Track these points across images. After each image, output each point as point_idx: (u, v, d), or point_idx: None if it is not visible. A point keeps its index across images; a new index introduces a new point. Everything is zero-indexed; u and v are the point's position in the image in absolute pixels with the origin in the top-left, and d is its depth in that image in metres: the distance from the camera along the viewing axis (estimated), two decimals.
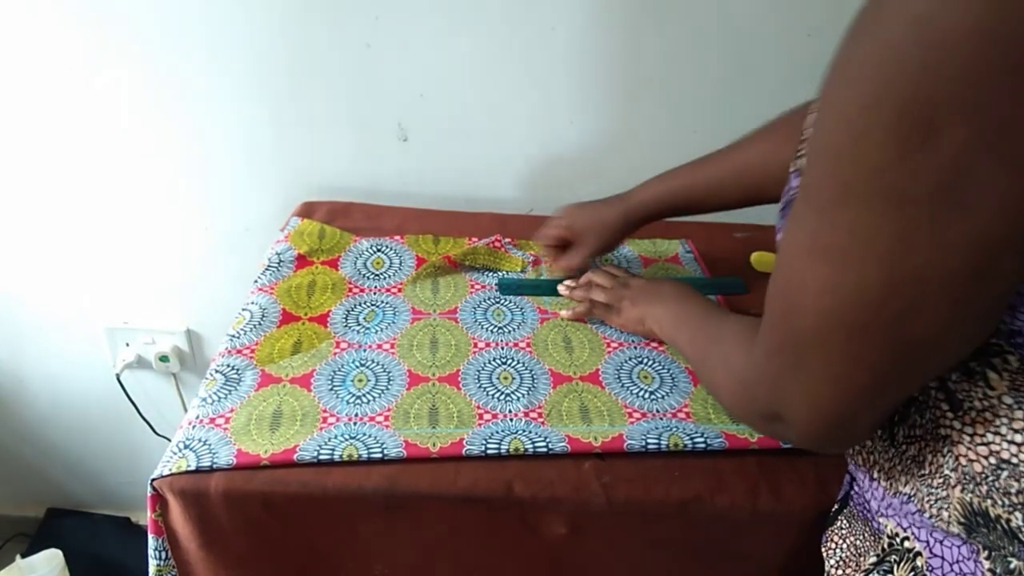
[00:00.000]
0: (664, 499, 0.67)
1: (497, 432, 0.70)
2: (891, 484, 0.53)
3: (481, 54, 1.02)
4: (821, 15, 0.96)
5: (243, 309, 0.85)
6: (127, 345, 1.31)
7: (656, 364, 0.81)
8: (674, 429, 0.72)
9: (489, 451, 0.68)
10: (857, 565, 0.58)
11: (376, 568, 0.71)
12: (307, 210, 1.06)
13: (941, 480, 0.49)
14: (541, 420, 0.72)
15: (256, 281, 0.90)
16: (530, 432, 0.70)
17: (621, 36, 1.01)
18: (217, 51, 1.02)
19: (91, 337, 1.31)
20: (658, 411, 0.74)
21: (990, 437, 0.45)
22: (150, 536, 0.67)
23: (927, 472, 0.49)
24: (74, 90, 1.05)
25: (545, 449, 0.68)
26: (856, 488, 0.60)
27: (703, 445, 0.70)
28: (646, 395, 0.76)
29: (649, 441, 0.70)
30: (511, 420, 0.72)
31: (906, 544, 0.53)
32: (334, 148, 1.11)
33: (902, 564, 0.52)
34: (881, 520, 0.56)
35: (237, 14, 0.99)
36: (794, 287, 0.44)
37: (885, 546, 0.55)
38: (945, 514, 0.49)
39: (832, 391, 0.44)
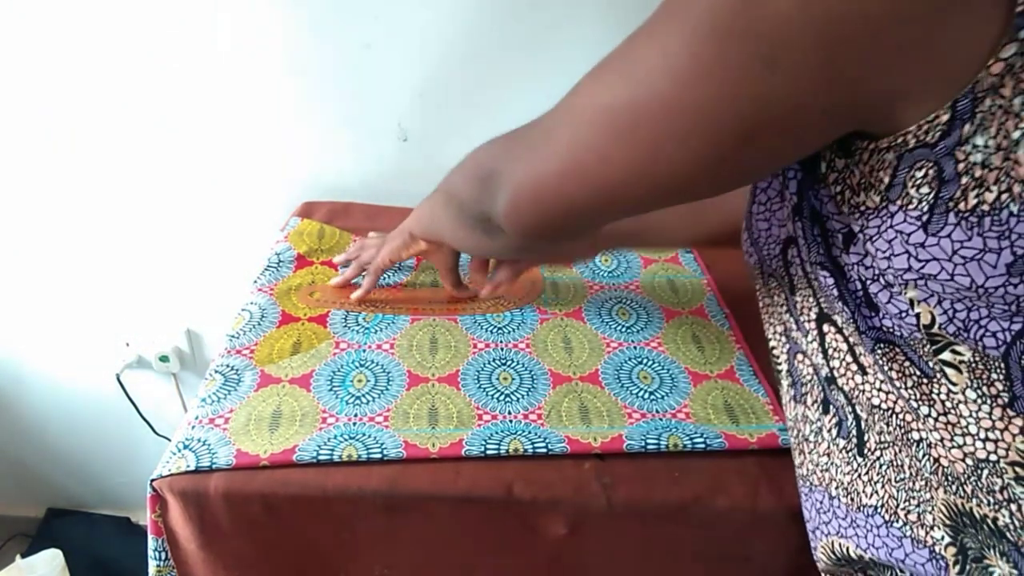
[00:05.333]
0: (664, 500, 0.66)
1: (497, 433, 0.70)
2: (853, 499, 0.52)
3: (481, 54, 1.02)
4: None
5: (242, 309, 0.85)
6: (127, 345, 1.31)
7: (656, 364, 0.81)
8: (674, 429, 0.71)
9: (489, 452, 0.68)
10: None
11: (376, 569, 0.71)
12: (307, 210, 1.06)
13: (923, 483, 0.48)
14: (541, 421, 0.72)
15: (255, 281, 0.90)
16: (529, 433, 0.70)
17: (623, 36, 1.01)
18: (217, 51, 1.02)
19: (91, 337, 1.31)
20: (658, 411, 0.74)
21: (961, 440, 0.44)
22: (150, 536, 0.67)
23: (907, 475, 0.48)
24: (73, 90, 1.05)
25: (545, 450, 0.68)
26: (814, 512, 0.58)
27: (703, 446, 0.70)
28: (646, 395, 0.76)
29: (649, 441, 0.70)
30: (511, 421, 0.72)
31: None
32: (334, 148, 1.11)
33: None
34: (841, 541, 0.54)
35: (236, 14, 0.99)
36: (577, 92, 0.46)
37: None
38: (929, 517, 0.48)
39: (558, 167, 0.46)
